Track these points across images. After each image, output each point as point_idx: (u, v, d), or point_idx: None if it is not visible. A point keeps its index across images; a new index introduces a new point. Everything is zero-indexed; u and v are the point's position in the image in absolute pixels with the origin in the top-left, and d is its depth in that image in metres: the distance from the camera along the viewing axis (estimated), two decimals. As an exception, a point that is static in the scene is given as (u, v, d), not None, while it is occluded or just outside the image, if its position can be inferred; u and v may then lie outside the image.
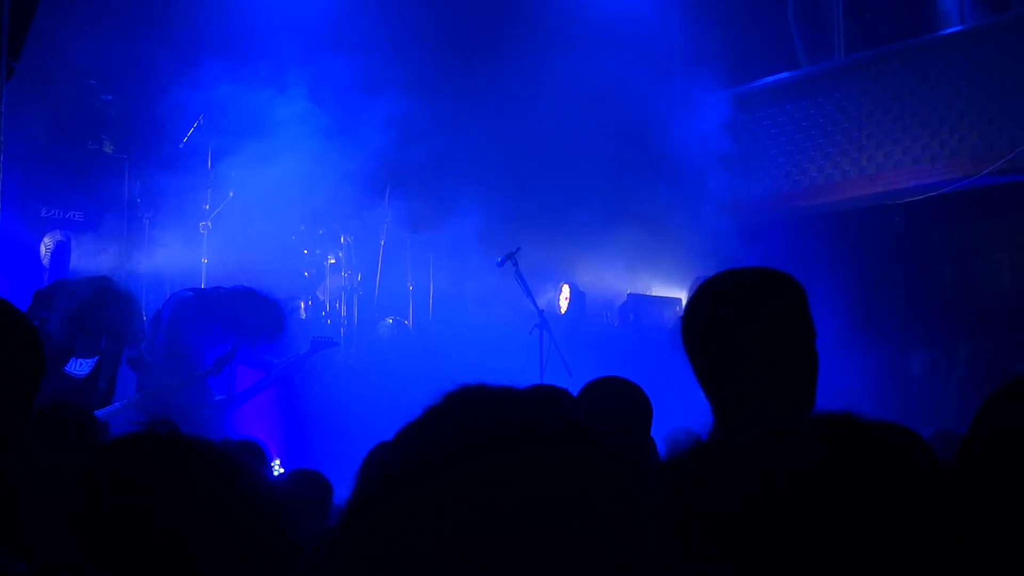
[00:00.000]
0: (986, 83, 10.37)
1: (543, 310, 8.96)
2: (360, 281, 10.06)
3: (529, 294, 8.81)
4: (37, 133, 8.88)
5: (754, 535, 1.07)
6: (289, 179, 9.16)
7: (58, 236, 8.33)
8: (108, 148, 9.57)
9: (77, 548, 1.60)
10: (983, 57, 10.44)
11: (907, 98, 11.00)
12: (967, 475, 1.42)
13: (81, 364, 6.12)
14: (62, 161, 9.21)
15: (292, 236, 9.47)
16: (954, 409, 9.00)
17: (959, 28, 10.75)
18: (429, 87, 10.41)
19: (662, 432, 4.95)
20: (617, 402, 3.67)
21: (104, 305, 6.01)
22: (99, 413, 5.74)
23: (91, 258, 8.37)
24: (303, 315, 9.21)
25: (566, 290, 11.07)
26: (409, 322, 10.40)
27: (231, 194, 9.33)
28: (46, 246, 8.27)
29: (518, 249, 8.89)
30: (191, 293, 6.48)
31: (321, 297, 9.77)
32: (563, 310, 10.95)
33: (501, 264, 8.95)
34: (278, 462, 7.34)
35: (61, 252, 8.21)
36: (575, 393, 3.61)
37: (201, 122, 9.40)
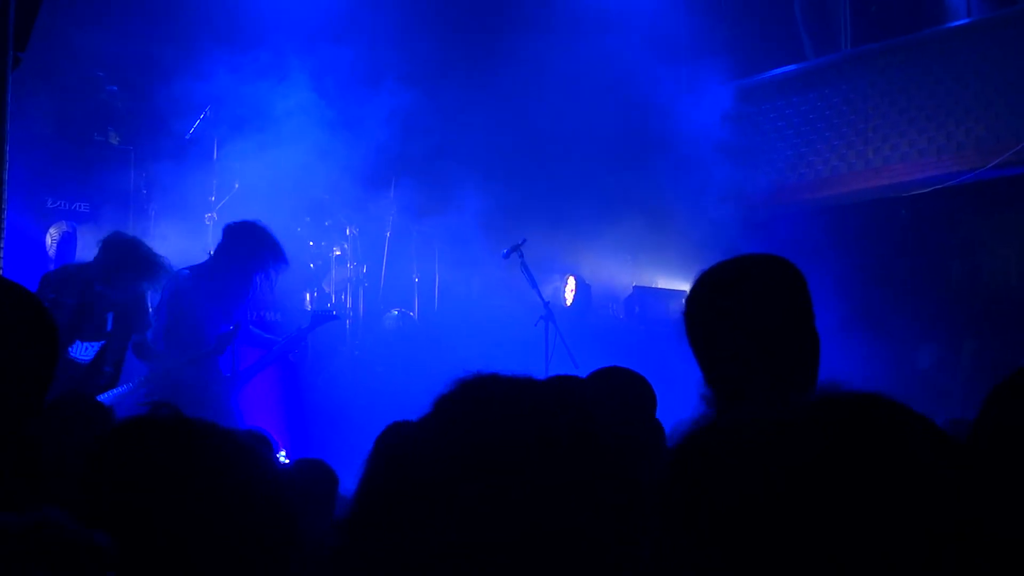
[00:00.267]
0: (992, 76, 10.34)
1: (549, 302, 8.96)
2: (365, 273, 10.06)
3: (535, 286, 8.81)
4: (43, 124, 8.88)
5: (754, 526, 1.06)
6: (295, 171, 9.17)
7: (64, 227, 8.33)
8: (114, 139, 9.58)
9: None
10: (989, 50, 10.41)
11: (913, 91, 10.97)
12: (972, 469, 1.41)
13: (86, 348, 6.05)
14: (68, 152, 9.20)
15: (298, 228, 9.47)
16: (960, 403, 8.99)
17: (965, 21, 10.72)
18: (434, 78, 10.41)
19: (667, 426, 4.94)
20: (623, 391, 3.68)
21: (131, 250, 5.99)
22: (107, 398, 5.72)
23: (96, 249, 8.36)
24: (308, 307, 9.21)
25: (572, 282, 11.07)
26: (414, 314, 10.41)
27: (236, 186, 9.33)
28: (52, 237, 8.27)
29: (524, 241, 8.88)
30: (187, 271, 6.45)
31: (327, 289, 9.77)
32: (569, 302, 10.95)
33: (507, 256, 8.94)
34: (283, 453, 7.36)
35: (67, 243, 8.21)
36: (581, 384, 3.62)
37: (207, 114, 9.41)
